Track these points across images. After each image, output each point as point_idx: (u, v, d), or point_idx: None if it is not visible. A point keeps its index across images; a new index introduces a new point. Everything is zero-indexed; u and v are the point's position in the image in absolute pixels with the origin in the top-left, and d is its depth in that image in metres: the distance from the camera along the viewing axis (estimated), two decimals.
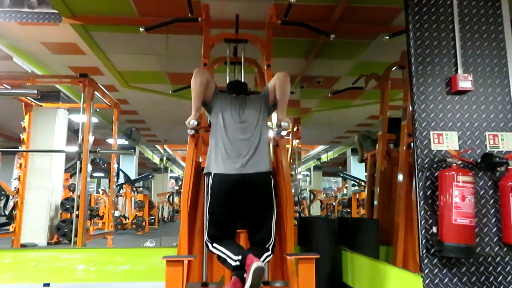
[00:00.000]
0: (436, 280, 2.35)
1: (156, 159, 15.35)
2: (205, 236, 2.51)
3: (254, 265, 2.10)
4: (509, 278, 2.38)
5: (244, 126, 2.58)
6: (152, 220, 13.35)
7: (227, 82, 3.03)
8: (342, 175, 14.46)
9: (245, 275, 2.19)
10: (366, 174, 4.82)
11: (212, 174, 2.48)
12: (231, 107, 2.63)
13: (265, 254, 2.44)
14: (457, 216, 2.25)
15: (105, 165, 10.25)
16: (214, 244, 2.44)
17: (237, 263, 2.24)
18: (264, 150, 2.56)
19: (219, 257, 2.41)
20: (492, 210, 2.45)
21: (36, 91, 5.37)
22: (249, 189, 2.46)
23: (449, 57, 2.60)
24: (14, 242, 6.06)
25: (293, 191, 3.14)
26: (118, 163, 9.70)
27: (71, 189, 8.14)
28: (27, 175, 6.57)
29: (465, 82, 2.50)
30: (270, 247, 2.50)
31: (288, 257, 2.55)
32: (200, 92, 2.56)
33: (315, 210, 14.27)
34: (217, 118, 2.62)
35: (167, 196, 17.01)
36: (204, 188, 2.81)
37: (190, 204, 2.71)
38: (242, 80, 3.37)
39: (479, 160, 2.48)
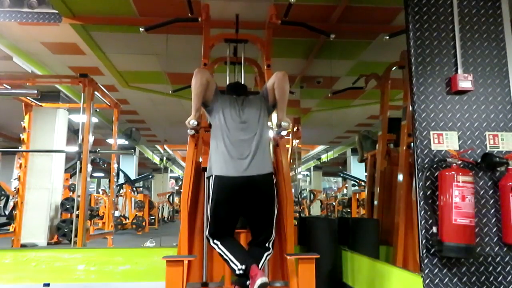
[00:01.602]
0: (436, 280, 2.35)
1: (156, 159, 15.35)
2: (206, 233, 2.54)
3: (259, 281, 2.13)
4: (509, 278, 2.38)
5: (245, 126, 2.57)
6: (152, 220, 13.35)
7: (227, 83, 3.02)
8: (342, 175, 14.46)
9: (248, 282, 2.23)
10: (366, 174, 4.82)
11: (214, 176, 2.47)
12: (231, 107, 2.63)
13: (266, 254, 2.47)
14: (457, 216, 2.25)
15: (105, 165, 10.24)
16: (215, 241, 2.46)
17: (241, 272, 2.29)
18: (266, 150, 2.57)
19: (221, 255, 2.43)
20: (492, 210, 2.45)
21: (36, 91, 5.36)
22: (253, 191, 2.45)
23: (449, 57, 2.60)
24: (14, 242, 6.05)
25: (293, 191, 3.14)
26: (118, 163, 9.70)
27: (71, 189, 8.14)
28: (27, 175, 6.56)
29: (465, 82, 2.50)
30: (271, 245, 2.52)
31: (288, 257, 2.56)
32: (200, 91, 2.56)
33: (315, 210, 14.27)
34: (217, 119, 2.61)
35: (167, 196, 17.01)
36: (204, 188, 2.81)
37: (190, 204, 2.71)
38: (242, 81, 3.37)
39: (479, 160, 2.48)
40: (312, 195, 14.12)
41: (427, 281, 2.34)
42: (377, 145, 4.55)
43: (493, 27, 2.65)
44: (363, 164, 5.05)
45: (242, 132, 2.55)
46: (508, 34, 2.65)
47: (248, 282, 2.23)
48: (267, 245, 2.51)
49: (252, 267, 2.23)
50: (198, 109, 2.62)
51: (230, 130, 2.55)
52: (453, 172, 2.31)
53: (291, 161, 7.62)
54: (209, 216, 2.50)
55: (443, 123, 2.53)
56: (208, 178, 2.55)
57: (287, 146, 7.50)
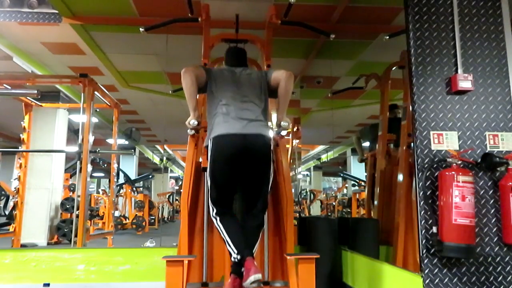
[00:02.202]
0: (436, 280, 2.35)
1: (156, 159, 15.35)
2: (209, 203, 2.54)
3: (252, 278, 2.16)
4: (509, 278, 2.38)
5: (245, 98, 2.57)
6: (152, 220, 13.34)
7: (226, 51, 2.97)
8: (342, 175, 14.46)
9: (242, 269, 2.28)
10: (366, 174, 4.81)
11: (212, 138, 2.48)
12: (229, 83, 2.62)
13: (259, 233, 2.53)
14: (457, 216, 2.25)
15: (105, 165, 10.24)
16: (215, 215, 2.49)
17: (236, 260, 2.34)
18: (265, 120, 2.58)
19: (218, 231, 2.49)
20: (492, 210, 2.45)
21: (36, 91, 5.36)
22: (251, 150, 2.45)
23: (449, 57, 2.60)
24: (14, 242, 6.05)
25: (293, 191, 3.14)
26: (118, 163, 9.70)
27: (71, 189, 8.14)
28: (27, 175, 6.56)
29: (465, 82, 2.50)
30: (265, 218, 2.58)
31: (288, 257, 2.55)
32: (193, 91, 2.54)
33: (315, 210, 14.27)
34: (214, 97, 2.61)
35: (167, 196, 17.01)
36: (204, 187, 2.81)
37: (190, 204, 2.71)
38: None
39: (479, 160, 2.48)
40: (312, 195, 14.12)
41: (427, 281, 2.34)
42: (377, 145, 4.55)
43: (493, 27, 2.65)
44: (363, 164, 5.04)
45: (241, 103, 2.55)
46: (508, 34, 2.65)
47: (242, 269, 2.28)
48: (261, 219, 2.53)
49: (247, 260, 2.25)
50: (195, 108, 2.61)
51: (229, 101, 2.55)
52: (453, 172, 2.31)
53: (291, 161, 7.62)
54: (209, 181, 2.51)
55: (443, 123, 2.53)
56: (207, 146, 2.54)
57: (287, 146, 7.51)
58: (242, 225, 2.54)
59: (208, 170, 2.51)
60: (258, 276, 2.18)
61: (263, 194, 2.54)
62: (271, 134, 2.60)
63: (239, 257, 2.32)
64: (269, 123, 3.05)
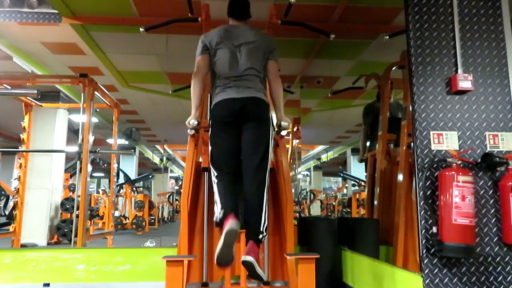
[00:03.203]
0: (436, 280, 2.35)
1: (156, 159, 15.36)
2: (211, 168, 2.53)
3: (228, 226, 2.16)
4: (509, 278, 2.38)
5: (243, 70, 2.58)
6: (152, 220, 13.34)
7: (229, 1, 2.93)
8: (342, 175, 14.46)
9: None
10: (366, 174, 4.81)
11: (212, 107, 2.58)
12: (226, 42, 2.62)
13: (263, 202, 2.40)
14: (457, 216, 2.25)
15: (105, 165, 10.25)
16: (216, 182, 2.45)
17: (217, 220, 2.34)
18: (263, 89, 2.63)
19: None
20: (492, 210, 2.45)
21: (36, 91, 5.37)
22: (245, 110, 2.49)
23: (449, 57, 2.60)
24: (14, 242, 6.06)
25: (293, 191, 3.14)
26: (118, 163, 9.70)
27: (71, 189, 8.14)
28: (27, 175, 6.56)
29: (465, 82, 2.50)
30: (266, 177, 2.46)
31: (288, 257, 2.55)
32: (198, 91, 2.59)
33: (315, 210, 14.27)
34: (214, 59, 2.65)
35: (167, 196, 17.00)
36: (204, 187, 2.81)
37: (190, 204, 2.71)
38: None
39: (479, 160, 2.48)
40: (312, 195, 14.12)
41: (427, 281, 2.34)
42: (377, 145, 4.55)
43: (493, 27, 2.65)
44: (363, 164, 5.04)
45: (239, 76, 2.57)
46: (508, 34, 2.65)
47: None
48: (262, 176, 2.44)
49: (228, 216, 2.23)
50: (197, 107, 2.63)
51: (226, 64, 2.58)
52: (453, 172, 2.31)
53: (291, 161, 7.62)
54: (210, 147, 2.55)
55: (443, 123, 2.53)
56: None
57: (287, 146, 7.51)
58: (244, 196, 2.44)
59: (209, 136, 2.58)
60: (234, 225, 2.17)
61: (263, 154, 2.46)
62: (266, 98, 2.64)
63: (221, 213, 2.29)
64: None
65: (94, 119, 5.85)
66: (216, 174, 2.49)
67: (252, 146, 2.48)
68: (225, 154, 2.51)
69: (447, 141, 2.50)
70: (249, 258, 2.15)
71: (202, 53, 2.67)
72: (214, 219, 2.37)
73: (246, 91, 2.53)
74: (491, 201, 2.46)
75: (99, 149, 5.42)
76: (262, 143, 2.48)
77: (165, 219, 17.40)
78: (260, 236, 2.31)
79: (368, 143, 4.87)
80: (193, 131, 2.74)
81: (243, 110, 2.48)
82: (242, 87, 2.53)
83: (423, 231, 2.40)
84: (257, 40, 2.67)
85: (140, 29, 3.49)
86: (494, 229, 2.43)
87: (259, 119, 2.52)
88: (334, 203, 13.31)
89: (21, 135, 6.44)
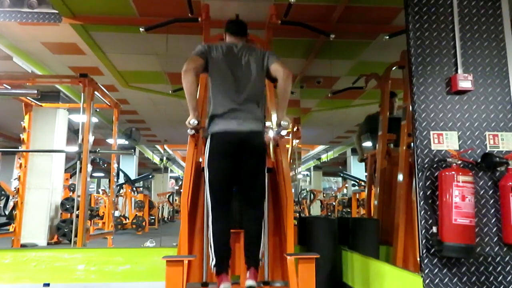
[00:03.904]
0: (436, 280, 2.35)
1: (156, 159, 15.36)
2: (207, 197, 2.57)
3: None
4: (509, 278, 2.38)
5: (241, 88, 2.58)
6: (152, 220, 13.35)
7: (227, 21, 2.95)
8: (342, 175, 14.47)
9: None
10: (366, 174, 4.81)
11: (210, 134, 2.55)
12: (227, 63, 2.62)
13: (260, 236, 2.55)
14: (457, 216, 2.25)
15: (105, 165, 10.26)
16: (212, 220, 2.51)
17: (213, 270, 2.47)
18: (260, 112, 2.62)
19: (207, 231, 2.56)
20: (492, 210, 2.45)
21: (36, 91, 5.37)
22: (244, 146, 2.51)
23: (449, 57, 2.60)
24: (14, 242, 6.06)
25: (293, 191, 3.13)
26: (118, 163, 9.71)
27: (71, 189, 8.14)
28: (27, 175, 6.56)
29: (465, 82, 2.50)
30: (264, 208, 2.61)
31: (288, 257, 2.55)
32: (193, 91, 2.56)
33: (315, 210, 14.27)
34: (213, 80, 2.64)
35: (167, 196, 17.01)
36: (204, 187, 2.81)
37: (190, 204, 2.71)
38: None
39: (479, 160, 2.48)
40: (312, 195, 14.13)
41: (427, 281, 2.34)
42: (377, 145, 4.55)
43: (493, 27, 2.65)
44: (363, 164, 5.04)
45: (238, 93, 2.56)
46: (508, 34, 2.65)
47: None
48: (261, 209, 2.57)
49: (221, 274, 2.41)
50: (195, 107, 2.61)
51: (226, 90, 2.57)
52: (453, 172, 2.31)
53: (291, 161, 7.62)
54: (206, 175, 2.55)
55: (443, 123, 2.53)
56: (206, 137, 2.58)
57: (287, 146, 7.51)
58: (244, 224, 2.59)
59: (205, 163, 2.57)
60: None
61: (259, 185, 2.59)
62: (266, 127, 2.66)
63: (215, 264, 2.44)
64: (269, 123, 3.06)
65: (94, 119, 5.85)
66: (211, 204, 2.53)
67: (252, 181, 2.57)
68: (224, 185, 2.56)
69: (447, 141, 2.50)
70: (252, 283, 2.36)
71: (198, 54, 2.64)
72: (210, 264, 2.48)
73: (247, 123, 2.52)
74: (491, 201, 2.46)
75: (99, 149, 5.42)
76: (260, 176, 2.60)
77: (165, 219, 17.41)
78: (260, 263, 2.55)
79: (366, 143, 4.87)
80: (193, 131, 2.74)
81: (243, 144, 2.51)
82: (243, 119, 2.52)
83: (423, 231, 2.40)
84: (253, 55, 2.68)
85: (140, 29, 3.49)
86: (494, 229, 2.43)
87: (257, 152, 2.57)
88: (334, 203, 13.32)
89: (21, 135, 6.44)
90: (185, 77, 2.53)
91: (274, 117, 2.94)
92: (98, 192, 12.60)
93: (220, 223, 2.52)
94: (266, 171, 2.65)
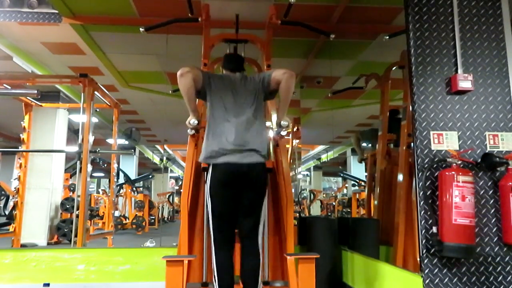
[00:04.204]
0: (436, 280, 2.35)
1: (156, 159, 15.35)
2: (209, 228, 2.52)
3: None
4: (509, 278, 2.38)
5: (241, 111, 2.52)
6: (152, 220, 13.34)
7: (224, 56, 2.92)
8: (342, 175, 14.46)
9: None
10: (366, 174, 4.81)
11: (212, 165, 2.48)
12: (226, 90, 2.57)
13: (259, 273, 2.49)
14: (457, 216, 2.25)
15: (105, 165, 10.25)
16: (215, 250, 2.48)
17: None
18: (260, 134, 2.55)
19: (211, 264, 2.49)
20: (492, 210, 2.45)
21: (36, 91, 5.37)
22: (249, 179, 2.46)
23: (449, 57, 2.60)
24: (14, 242, 6.06)
25: (293, 191, 3.14)
26: (118, 163, 9.70)
27: (71, 189, 8.14)
28: (27, 175, 6.56)
29: (465, 82, 2.50)
30: (260, 250, 2.53)
31: (288, 257, 2.55)
32: (191, 93, 2.50)
33: (315, 210, 14.27)
34: (212, 105, 2.56)
35: (167, 196, 17.00)
36: (204, 187, 2.81)
37: (190, 204, 2.71)
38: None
39: (479, 160, 2.48)
40: (312, 195, 14.12)
41: (427, 281, 2.34)
42: (377, 145, 4.55)
43: (493, 27, 2.65)
44: (363, 164, 5.04)
45: (238, 117, 2.51)
46: (508, 34, 2.65)
47: None
48: (258, 256, 2.51)
49: None
50: (194, 109, 2.59)
51: (226, 115, 2.51)
52: (453, 172, 2.31)
53: (291, 161, 7.62)
54: (208, 206, 2.50)
55: (443, 123, 2.53)
56: (205, 168, 2.52)
57: (287, 146, 7.50)
58: (242, 256, 2.54)
59: (207, 194, 2.51)
60: None
61: (258, 217, 2.54)
62: (266, 153, 2.57)
63: None
64: (269, 123, 3.05)
65: (94, 119, 5.85)
66: (214, 236, 2.50)
67: (250, 213, 2.52)
68: (227, 217, 2.51)
69: (447, 141, 2.50)
70: None
71: (198, 70, 2.56)
72: None
73: (250, 156, 2.47)
74: (491, 201, 2.46)
75: (99, 149, 5.41)
76: (259, 207, 2.55)
77: (165, 219, 17.40)
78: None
79: (365, 144, 4.88)
80: (193, 131, 2.74)
81: (246, 176, 2.46)
82: (246, 152, 2.47)
83: (423, 231, 2.40)
84: (251, 82, 2.63)
85: (140, 29, 3.49)
86: (494, 229, 2.43)
87: (259, 184, 2.53)
88: (334, 203, 13.31)
89: (21, 135, 6.44)
90: (182, 80, 2.44)
91: (274, 117, 2.94)
92: (98, 192, 12.60)
93: (222, 256, 2.48)
94: (265, 198, 2.60)
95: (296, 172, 8.76)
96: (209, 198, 2.50)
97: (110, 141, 8.37)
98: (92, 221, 8.54)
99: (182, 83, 2.45)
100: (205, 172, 2.55)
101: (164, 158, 15.52)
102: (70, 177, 8.53)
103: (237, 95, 2.57)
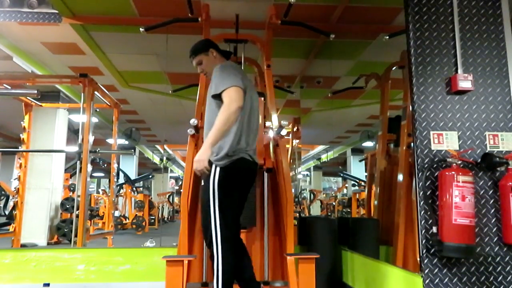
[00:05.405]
0: (436, 280, 2.35)
1: (156, 159, 15.35)
2: (217, 225, 2.22)
3: None
4: (509, 278, 2.38)
5: (255, 112, 2.47)
6: (152, 220, 13.35)
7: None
8: (342, 175, 14.46)
9: None
10: (366, 174, 4.81)
11: (235, 160, 2.27)
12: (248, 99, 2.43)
13: None
14: (457, 216, 2.25)
15: (105, 165, 10.24)
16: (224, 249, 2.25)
17: None
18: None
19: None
20: (492, 210, 2.45)
21: (36, 91, 5.36)
22: (253, 178, 2.47)
23: (449, 57, 2.60)
24: (14, 242, 6.06)
25: (293, 191, 3.14)
26: (118, 163, 9.71)
27: (71, 189, 8.14)
28: (27, 175, 6.56)
29: (465, 82, 2.50)
30: None
31: (288, 257, 2.56)
32: (232, 122, 2.18)
33: (315, 210, 14.27)
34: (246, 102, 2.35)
35: (167, 196, 17.00)
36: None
37: (190, 204, 2.71)
38: None
39: (479, 160, 2.48)
40: (312, 195, 14.13)
41: (427, 281, 2.34)
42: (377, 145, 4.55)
43: (493, 27, 2.65)
44: (363, 164, 5.05)
45: (254, 118, 2.47)
46: (508, 34, 2.65)
47: None
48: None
49: None
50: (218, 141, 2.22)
51: (250, 114, 2.41)
52: (453, 172, 2.31)
53: (291, 161, 7.62)
54: (222, 199, 2.22)
55: (443, 123, 2.53)
56: (225, 156, 2.25)
57: (287, 146, 7.50)
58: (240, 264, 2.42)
59: (222, 188, 2.23)
60: None
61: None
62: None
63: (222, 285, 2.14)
64: (269, 123, 3.05)
65: (94, 119, 5.85)
66: (224, 235, 2.22)
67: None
68: (237, 218, 2.40)
69: (447, 141, 2.50)
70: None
71: (242, 88, 2.25)
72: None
73: (255, 154, 2.48)
74: (491, 201, 2.46)
75: (99, 149, 5.41)
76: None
77: (165, 219, 17.40)
78: None
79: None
80: (193, 131, 2.74)
81: (254, 175, 2.47)
82: (255, 151, 2.48)
83: (423, 231, 2.40)
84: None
85: (140, 29, 3.49)
86: (494, 229, 2.43)
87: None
88: (334, 203, 13.31)
89: (21, 135, 6.44)
90: (233, 117, 2.14)
91: (274, 117, 2.95)
92: (98, 192, 12.59)
93: (232, 259, 2.23)
94: None
95: (296, 172, 8.76)
96: (226, 189, 2.26)
97: (110, 141, 8.38)
98: (92, 221, 8.54)
99: (232, 120, 2.15)
100: (216, 167, 2.26)
101: (164, 158, 15.53)
102: (70, 177, 8.53)
103: (253, 100, 2.49)
